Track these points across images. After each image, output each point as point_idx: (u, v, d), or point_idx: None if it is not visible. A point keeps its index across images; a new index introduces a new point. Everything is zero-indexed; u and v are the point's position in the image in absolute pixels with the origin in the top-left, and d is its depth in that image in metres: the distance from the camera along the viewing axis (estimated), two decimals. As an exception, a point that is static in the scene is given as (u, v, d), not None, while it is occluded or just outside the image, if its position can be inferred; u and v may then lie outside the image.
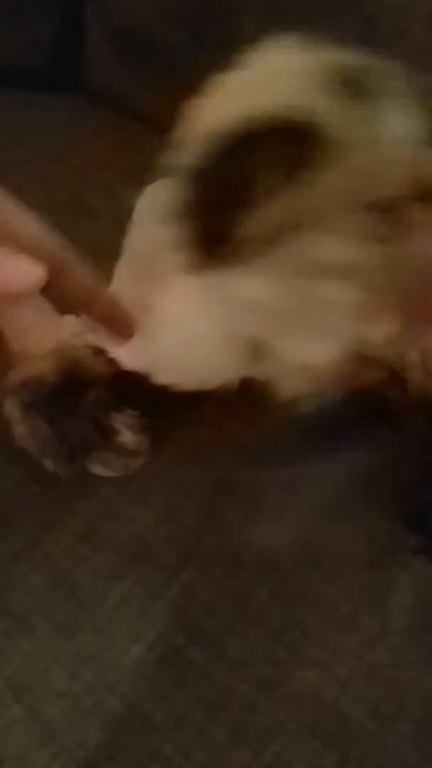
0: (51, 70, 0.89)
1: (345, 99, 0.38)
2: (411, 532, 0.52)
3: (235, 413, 0.56)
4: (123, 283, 0.49)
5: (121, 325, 0.37)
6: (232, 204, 0.38)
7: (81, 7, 0.85)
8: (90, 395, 0.53)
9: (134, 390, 0.52)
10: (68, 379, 0.53)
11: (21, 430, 0.53)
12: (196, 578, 0.49)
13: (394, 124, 0.38)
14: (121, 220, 0.60)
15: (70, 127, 0.86)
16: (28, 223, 0.32)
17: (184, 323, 0.47)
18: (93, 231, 0.63)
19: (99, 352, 0.53)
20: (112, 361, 0.53)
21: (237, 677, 0.45)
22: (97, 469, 0.54)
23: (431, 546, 0.51)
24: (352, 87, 0.38)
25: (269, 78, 0.42)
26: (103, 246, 0.45)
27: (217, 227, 0.39)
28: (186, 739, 0.43)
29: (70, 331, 0.54)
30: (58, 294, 0.32)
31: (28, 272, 0.30)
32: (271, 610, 0.48)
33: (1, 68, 0.86)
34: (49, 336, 0.32)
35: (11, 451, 0.53)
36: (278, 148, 0.37)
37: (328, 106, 0.38)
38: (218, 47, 0.73)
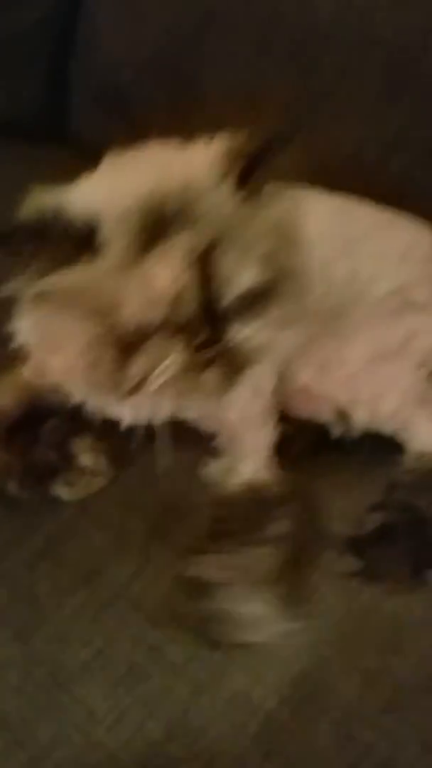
0: (38, 123, 0.96)
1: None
2: (352, 556, 0.57)
3: (188, 444, 0.61)
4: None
5: None
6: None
7: (66, 66, 0.93)
8: (48, 424, 0.59)
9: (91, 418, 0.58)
10: (26, 411, 0.59)
11: None
12: (143, 593, 0.54)
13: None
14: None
15: (55, 176, 0.93)
16: None
17: None
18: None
19: (56, 388, 0.59)
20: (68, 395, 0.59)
21: (175, 679, 0.50)
22: (61, 491, 0.59)
23: (369, 572, 0.56)
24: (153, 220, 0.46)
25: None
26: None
27: None
28: (126, 732, 0.48)
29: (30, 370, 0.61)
30: None
31: None
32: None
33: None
34: None
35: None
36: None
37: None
38: (190, 107, 0.82)
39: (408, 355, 0.61)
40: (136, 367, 0.48)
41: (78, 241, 0.46)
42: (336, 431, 0.61)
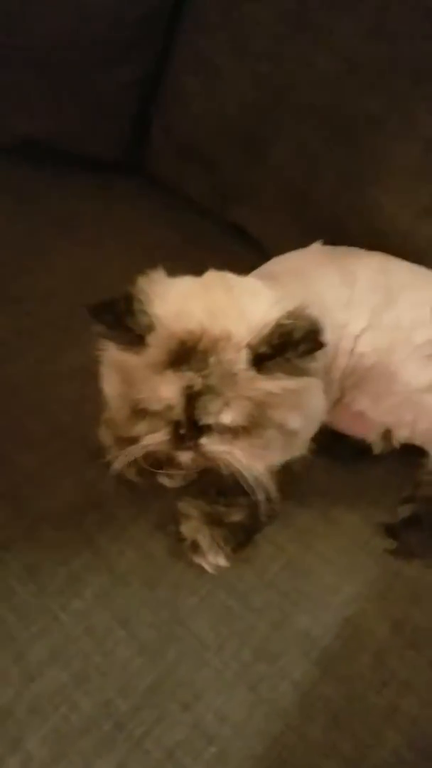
0: (123, 160, 1.13)
1: None
2: (389, 538, 0.77)
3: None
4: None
5: None
6: None
7: (149, 115, 1.10)
8: None
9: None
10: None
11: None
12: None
13: None
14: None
15: (134, 208, 1.10)
16: None
17: None
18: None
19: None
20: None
21: (258, 620, 0.71)
22: (165, 480, 0.78)
23: (401, 550, 0.76)
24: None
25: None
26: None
27: None
28: (227, 654, 0.68)
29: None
30: None
31: None
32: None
33: (83, 155, 1.11)
34: None
35: None
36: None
37: None
38: (253, 161, 0.98)
39: (437, 389, 0.80)
40: (137, 428, 0.68)
41: (139, 333, 0.66)
42: (377, 449, 0.81)
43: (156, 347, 0.65)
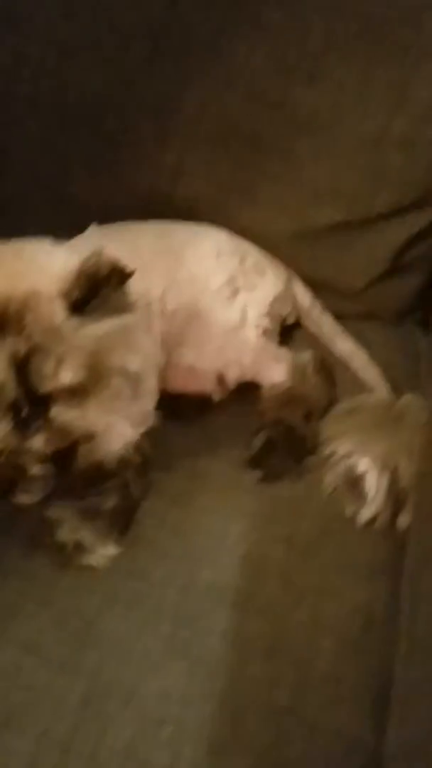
0: None
1: None
2: (254, 470, 0.79)
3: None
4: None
5: None
6: None
7: None
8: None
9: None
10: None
11: None
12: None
13: None
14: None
15: None
16: None
17: None
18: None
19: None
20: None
21: (164, 590, 0.69)
22: (23, 498, 0.73)
23: (269, 475, 0.79)
24: None
25: None
26: None
27: None
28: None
29: None
30: None
31: None
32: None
33: None
34: None
35: None
36: None
37: None
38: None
39: (247, 322, 0.84)
40: None
41: None
42: (216, 397, 0.84)
43: None
